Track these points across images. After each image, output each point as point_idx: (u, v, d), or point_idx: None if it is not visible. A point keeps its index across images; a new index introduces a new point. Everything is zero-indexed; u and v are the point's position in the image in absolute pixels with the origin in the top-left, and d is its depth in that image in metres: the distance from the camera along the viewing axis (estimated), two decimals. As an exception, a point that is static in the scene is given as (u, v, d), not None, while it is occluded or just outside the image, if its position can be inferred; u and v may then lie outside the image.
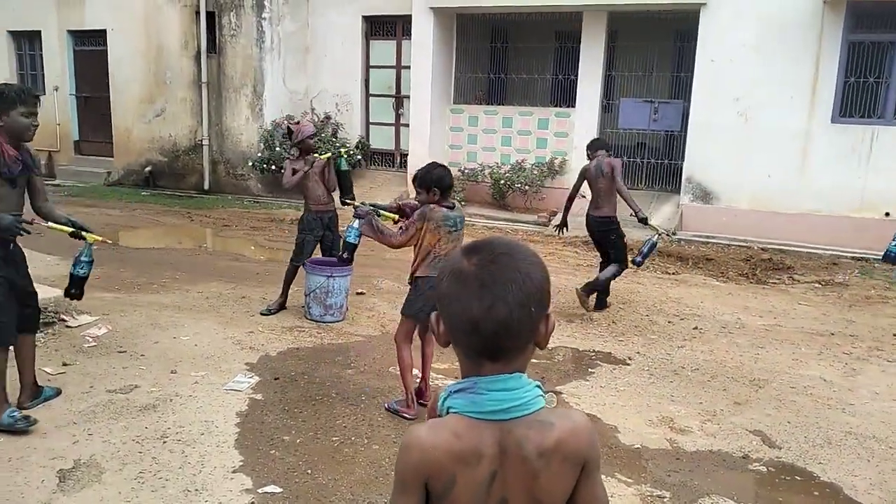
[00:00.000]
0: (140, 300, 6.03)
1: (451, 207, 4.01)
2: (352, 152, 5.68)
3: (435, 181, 3.93)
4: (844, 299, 7.11)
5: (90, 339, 4.96)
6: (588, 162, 6.50)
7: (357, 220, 4.30)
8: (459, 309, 1.15)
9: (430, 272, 3.91)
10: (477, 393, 1.16)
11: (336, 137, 12.35)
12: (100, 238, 3.91)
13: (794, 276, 7.97)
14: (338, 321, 5.68)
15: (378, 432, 3.82)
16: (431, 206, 3.94)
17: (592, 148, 6.55)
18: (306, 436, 3.74)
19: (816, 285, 7.64)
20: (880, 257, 6.10)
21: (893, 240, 5.79)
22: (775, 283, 7.75)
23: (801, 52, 9.33)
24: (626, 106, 11.05)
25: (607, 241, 6.41)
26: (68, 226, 3.80)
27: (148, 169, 13.39)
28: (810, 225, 9.40)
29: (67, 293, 3.98)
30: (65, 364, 4.52)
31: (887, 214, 9.20)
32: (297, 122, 6.06)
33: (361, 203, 4.43)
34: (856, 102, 9.40)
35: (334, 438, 3.73)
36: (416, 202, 4.08)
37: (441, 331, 1.21)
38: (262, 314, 5.76)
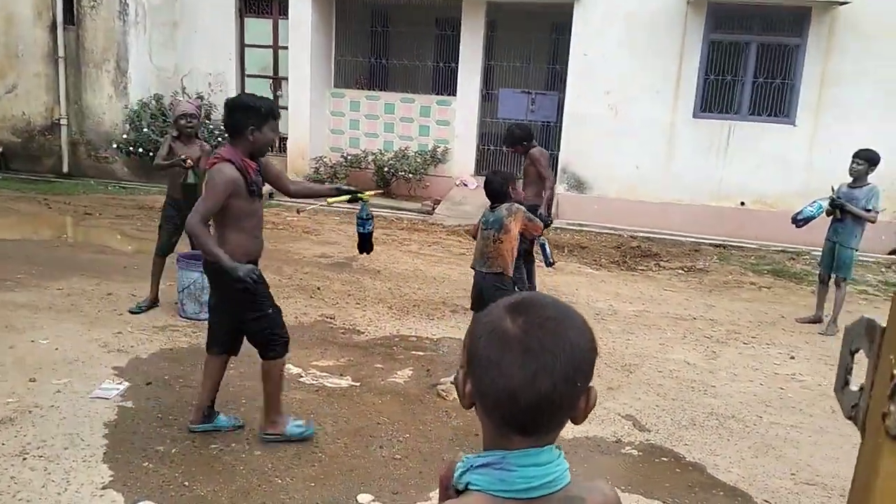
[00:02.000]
0: (-10, 299, 5.51)
1: (493, 209, 4.61)
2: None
3: (489, 192, 4.67)
4: (705, 284, 7.64)
5: None
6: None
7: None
8: (497, 375, 1.02)
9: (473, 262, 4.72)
10: (506, 469, 1.04)
11: (210, 119, 11.77)
12: (372, 193, 4.35)
13: (661, 263, 8.47)
14: (215, 318, 5.44)
15: (259, 437, 3.71)
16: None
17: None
18: (182, 445, 3.57)
19: (680, 271, 8.16)
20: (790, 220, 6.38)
21: (809, 205, 6.15)
22: (643, 269, 8.20)
23: (667, 49, 9.87)
24: (505, 96, 11.27)
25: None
26: (337, 193, 4.04)
27: (-2, 150, 12.23)
28: (675, 213, 10.02)
29: (362, 250, 4.34)
30: None
31: (742, 203, 9.97)
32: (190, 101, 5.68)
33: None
34: (715, 98, 10.08)
35: (213, 446, 3.58)
36: None
37: (467, 391, 1.08)
38: (131, 312, 5.42)
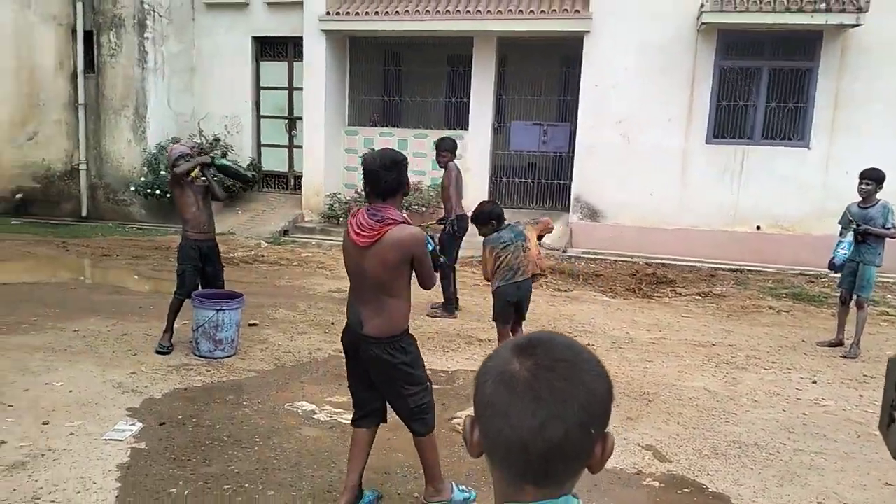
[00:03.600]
0: (7, 342, 5.55)
1: (501, 229, 5.16)
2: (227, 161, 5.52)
3: (493, 215, 5.17)
4: (723, 310, 7.53)
5: None
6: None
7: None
8: (504, 424, 0.95)
9: (502, 282, 5.11)
10: None
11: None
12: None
13: (677, 290, 8.38)
14: (229, 356, 5.44)
15: (273, 476, 3.67)
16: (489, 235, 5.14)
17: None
18: (195, 486, 3.53)
19: (697, 297, 8.06)
20: (827, 268, 6.32)
21: (836, 248, 6.07)
22: (660, 296, 8.11)
23: (678, 77, 9.89)
24: (517, 128, 11.34)
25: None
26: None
27: (19, 196, 12.48)
28: (690, 239, 9.93)
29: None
30: None
31: (758, 228, 9.87)
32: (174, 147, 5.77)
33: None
34: (728, 124, 10.06)
35: (226, 487, 3.54)
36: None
37: (475, 441, 1.00)
38: (158, 352, 5.44)
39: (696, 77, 9.90)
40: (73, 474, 3.58)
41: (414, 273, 3.26)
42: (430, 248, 4.60)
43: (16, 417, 4.20)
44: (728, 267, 9.39)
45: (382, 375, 3.26)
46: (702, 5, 9.30)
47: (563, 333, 1.05)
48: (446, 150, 7.06)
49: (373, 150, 3.40)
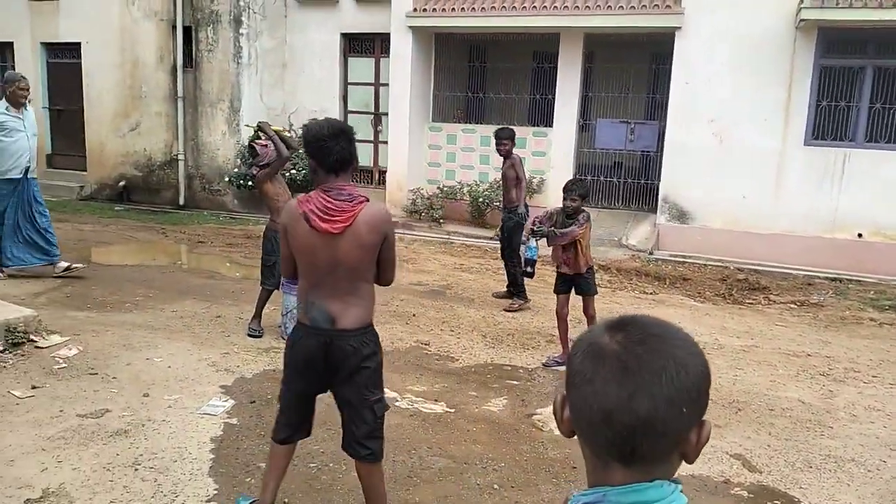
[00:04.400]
0: (112, 320, 5.89)
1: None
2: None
3: (588, 191, 5.42)
4: (820, 320, 7.18)
5: (60, 361, 4.83)
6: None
7: (534, 240, 5.46)
8: (590, 393, 0.94)
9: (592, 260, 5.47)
10: None
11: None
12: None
13: (770, 297, 8.05)
14: (315, 342, 5.58)
15: (357, 458, 3.74)
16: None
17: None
18: (283, 462, 3.65)
19: (792, 306, 7.71)
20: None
21: None
22: (751, 303, 7.81)
23: (775, 75, 9.49)
24: (603, 126, 11.15)
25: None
26: None
27: (122, 183, 13.20)
28: (785, 245, 9.51)
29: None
30: (34, 387, 4.38)
31: (860, 235, 9.35)
32: (266, 145, 5.72)
33: (540, 227, 5.38)
34: (828, 125, 9.57)
35: (311, 465, 3.65)
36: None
37: (565, 416, 1.00)
38: (250, 336, 5.64)
39: (793, 75, 9.46)
40: (170, 444, 3.76)
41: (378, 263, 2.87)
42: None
43: (119, 389, 4.45)
44: (826, 275, 8.95)
45: (351, 379, 2.84)
46: (801, 1, 8.88)
47: (652, 316, 1.03)
48: (507, 139, 7.12)
49: (315, 119, 2.95)
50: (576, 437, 1.00)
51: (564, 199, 5.29)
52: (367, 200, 2.81)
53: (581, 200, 5.25)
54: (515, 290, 7.13)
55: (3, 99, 7.02)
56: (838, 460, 4.09)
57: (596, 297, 5.58)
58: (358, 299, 2.83)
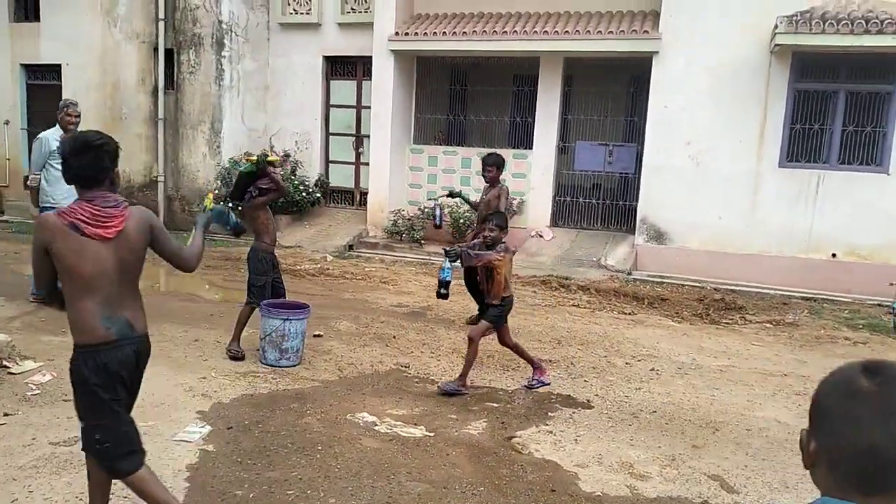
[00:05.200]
0: (88, 344, 5.81)
1: None
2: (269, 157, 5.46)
3: (507, 223, 5.37)
4: (796, 339, 7.27)
5: (34, 387, 4.76)
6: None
7: (448, 261, 5.28)
8: (854, 430, 1.06)
9: (510, 291, 5.33)
10: None
11: (295, 175, 12.30)
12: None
13: (747, 316, 8.13)
14: (294, 365, 5.57)
15: (335, 485, 3.72)
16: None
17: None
18: (260, 490, 3.62)
19: (768, 325, 7.80)
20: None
21: None
22: (728, 322, 7.89)
23: (750, 99, 9.68)
24: (582, 148, 11.29)
25: None
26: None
27: (100, 205, 13.09)
28: (760, 265, 9.64)
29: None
30: (6, 414, 4.32)
31: (834, 255, 9.50)
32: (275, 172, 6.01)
33: (453, 248, 5.38)
34: (802, 147, 9.76)
35: (289, 492, 3.61)
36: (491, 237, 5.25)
37: (811, 450, 1.13)
38: (232, 358, 5.62)
39: (768, 99, 9.66)
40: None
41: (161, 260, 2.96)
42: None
43: (94, 415, 4.38)
44: (801, 295, 9.07)
45: (138, 379, 3.00)
46: (775, 27, 9.09)
47: None
48: (493, 165, 6.81)
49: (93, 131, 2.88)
50: (813, 468, 1.13)
51: (482, 230, 5.44)
52: (131, 205, 2.86)
53: (499, 231, 5.23)
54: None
55: (57, 125, 7.05)
56: (814, 480, 4.12)
57: (509, 326, 5.56)
58: (139, 302, 2.92)
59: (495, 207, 6.87)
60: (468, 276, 6.78)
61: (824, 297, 8.99)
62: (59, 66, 13.34)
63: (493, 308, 5.29)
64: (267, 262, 5.77)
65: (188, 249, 3.14)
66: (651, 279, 9.68)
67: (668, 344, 6.86)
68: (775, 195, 9.73)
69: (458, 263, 5.29)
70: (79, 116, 7.10)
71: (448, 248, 5.33)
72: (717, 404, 5.29)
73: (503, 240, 5.29)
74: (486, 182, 6.98)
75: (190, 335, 6.24)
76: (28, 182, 7.26)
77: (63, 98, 7.63)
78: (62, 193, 6.56)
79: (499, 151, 11.32)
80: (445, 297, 5.49)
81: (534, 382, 5.48)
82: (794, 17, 8.98)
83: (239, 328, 5.73)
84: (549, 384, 5.51)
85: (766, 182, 9.77)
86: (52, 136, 6.96)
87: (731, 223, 9.87)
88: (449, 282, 5.40)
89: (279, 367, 5.50)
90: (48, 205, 6.74)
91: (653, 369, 6.07)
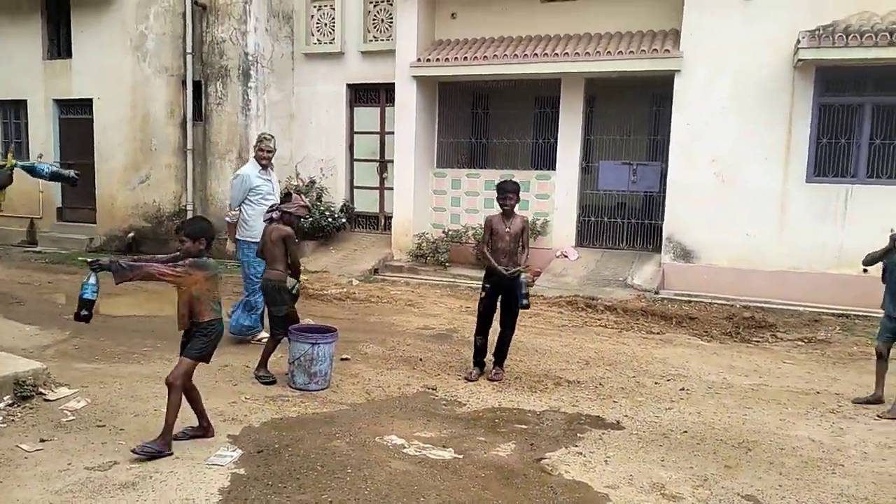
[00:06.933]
0: (120, 371, 5.92)
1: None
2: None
3: (203, 232, 4.38)
4: (828, 357, 7.14)
5: (69, 413, 4.85)
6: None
7: (94, 276, 4.37)
8: None
9: (215, 315, 4.51)
10: None
11: (321, 201, 12.45)
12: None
13: (777, 334, 8.01)
14: (322, 389, 5.61)
15: (364, 506, 3.73)
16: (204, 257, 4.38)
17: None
18: (290, 512, 3.64)
19: (800, 343, 7.68)
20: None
21: None
22: (759, 341, 7.78)
23: (774, 114, 9.62)
24: (605, 168, 11.29)
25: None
26: None
27: (131, 235, 13.38)
28: (790, 282, 9.51)
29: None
30: (42, 440, 4.40)
31: (865, 271, 9.30)
32: (303, 205, 6.17)
33: (101, 259, 4.45)
34: (829, 162, 9.66)
35: (318, 514, 3.63)
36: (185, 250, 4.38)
37: None
38: (263, 383, 5.70)
39: (793, 114, 9.59)
40: (177, 496, 3.75)
41: None
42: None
43: (127, 440, 4.45)
44: (832, 311, 8.92)
45: None
46: (798, 42, 9.06)
47: None
48: (514, 193, 6.03)
49: None
50: None
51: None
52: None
53: (191, 242, 4.33)
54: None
55: (253, 160, 7.05)
56: (851, 499, 4.04)
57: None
58: None
59: (521, 239, 6.15)
60: (489, 300, 6.19)
61: (856, 313, 8.83)
62: (90, 100, 13.74)
63: (195, 339, 4.49)
64: (282, 292, 5.83)
65: None
66: (678, 298, 9.59)
67: (698, 363, 6.78)
68: (803, 210, 9.62)
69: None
70: (272, 151, 6.95)
71: (93, 260, 4.38)
72: (750, 423, 5.21)
73: (204, 253, 4.37)
74: (507, 208, 6.06)
75: (219, 361, 6.28)
76: (227, 218, 7.26)
77: (263, 132, 7.43)
78: (260, 229, 6.27)
79: (522, 172, 11.46)
80: (87, 319, 4.36)
81: (150, 447, 4.18)
82: (817, 32, 8.94)
83: (265, 356, 5.82)
84: (169, 454, 4.22)
85: (793, 198, 9.67)
86: (252, 173, 6.89)
87: (759, 239, 9.77)
88: (92, 301, 4.33)
89: (308, 390, 5.54)
90: (246, 238, 6.84)
91: (683, 389, 6.00)
